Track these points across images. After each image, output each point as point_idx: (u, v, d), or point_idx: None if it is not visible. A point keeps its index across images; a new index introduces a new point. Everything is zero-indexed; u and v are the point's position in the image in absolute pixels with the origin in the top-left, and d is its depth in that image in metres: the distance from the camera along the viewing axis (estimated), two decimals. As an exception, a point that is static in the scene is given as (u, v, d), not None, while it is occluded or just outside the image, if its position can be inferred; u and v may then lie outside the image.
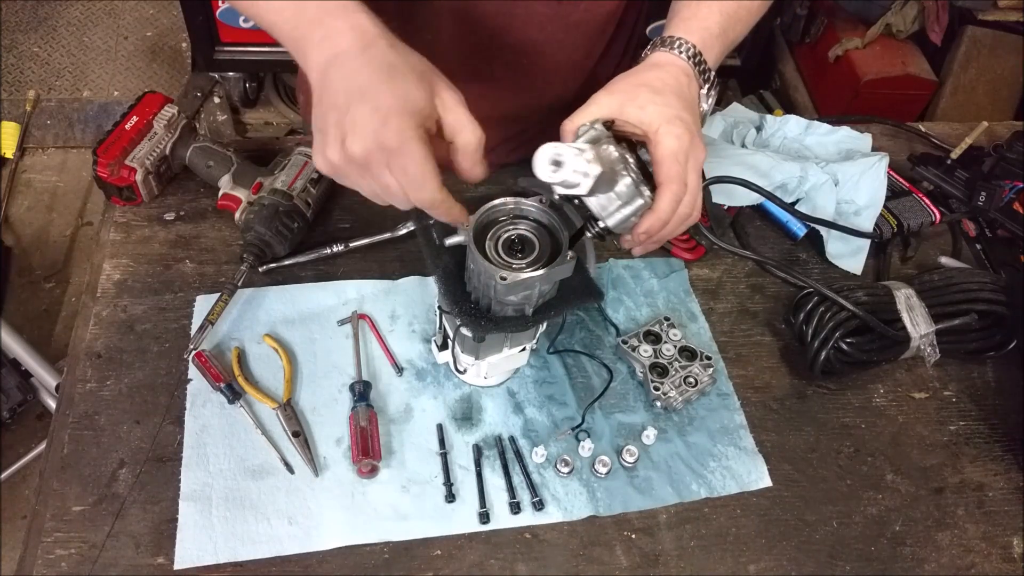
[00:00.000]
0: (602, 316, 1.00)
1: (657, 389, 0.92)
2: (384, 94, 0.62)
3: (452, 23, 0.98)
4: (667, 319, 0.99)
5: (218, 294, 0.93)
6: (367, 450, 0.84)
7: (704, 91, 0.79)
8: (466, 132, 0.66)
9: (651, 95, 0.73)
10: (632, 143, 0.75)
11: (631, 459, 0.87)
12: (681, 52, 0.77)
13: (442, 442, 0.88)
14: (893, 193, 1.13)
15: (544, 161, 0.64)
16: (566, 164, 0.64)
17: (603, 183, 0.69)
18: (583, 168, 0.65)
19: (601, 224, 0.73)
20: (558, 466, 0.87)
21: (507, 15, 0.99)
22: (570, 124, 0.74)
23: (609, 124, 0.73)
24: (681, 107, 0.73)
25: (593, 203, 0.72)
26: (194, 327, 0.93)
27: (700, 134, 0.75)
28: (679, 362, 0.94)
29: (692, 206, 0.74)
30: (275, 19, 0.70)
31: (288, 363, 0.91)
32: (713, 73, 0.80)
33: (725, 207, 1.11)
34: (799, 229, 1.10)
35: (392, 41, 0.67)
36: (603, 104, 0.74)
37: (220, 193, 1.02)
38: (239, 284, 0.94)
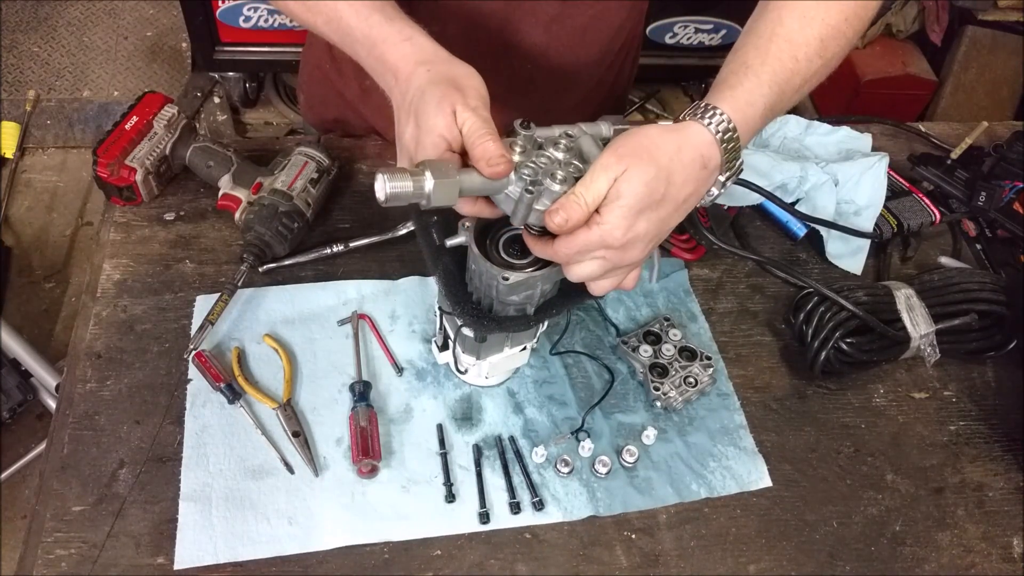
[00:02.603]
0: (602, 316, 1.00)
1: (657, 389, 0.92)
2: (409, 137, 0.71)
3: (457, 23, 0.98)
4: (667, 319, 0.99)
5: (218, 294, 0.93)
6: (367, 450, 0.84)
7: (723, 178, 0.73)
8: (478, 159, 0.66)
9: (638, 184, 0.66)
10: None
11: (631, 459, 0.87)
12: (713, 125, 0.70)
13: (442, 442, 0.88)
14: (893, 193, 1.13)
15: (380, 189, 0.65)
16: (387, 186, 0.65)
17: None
18: (405, 188, 0.65)
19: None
20: (558, 466, 0.87)
21: (512, 14, 0.99)
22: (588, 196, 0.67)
23: (526, 124, 0.71)
24: (655, 218, 0.68)
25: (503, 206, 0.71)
26: (194, 327, 0.93)
27: (656, 239, 0.70)
28: (679, 362, 0.94)
29: (578, 279, 0.71)
30: (349, 48, 0.79)
31: (288, 363, 0.91)
32: (740, 162, 0.73)
33: (725, 207, 1.11)
34: (799, 229, 1.10)
35: (429, 64, 0.71)
36: (608, 167, 0.67)
37: (220, 193, 1.02)
38: (239, 284, 0.94)
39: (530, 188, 0.66)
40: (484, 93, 0.71)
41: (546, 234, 0.71)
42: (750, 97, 0.72)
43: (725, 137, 0.71)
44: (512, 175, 0.68)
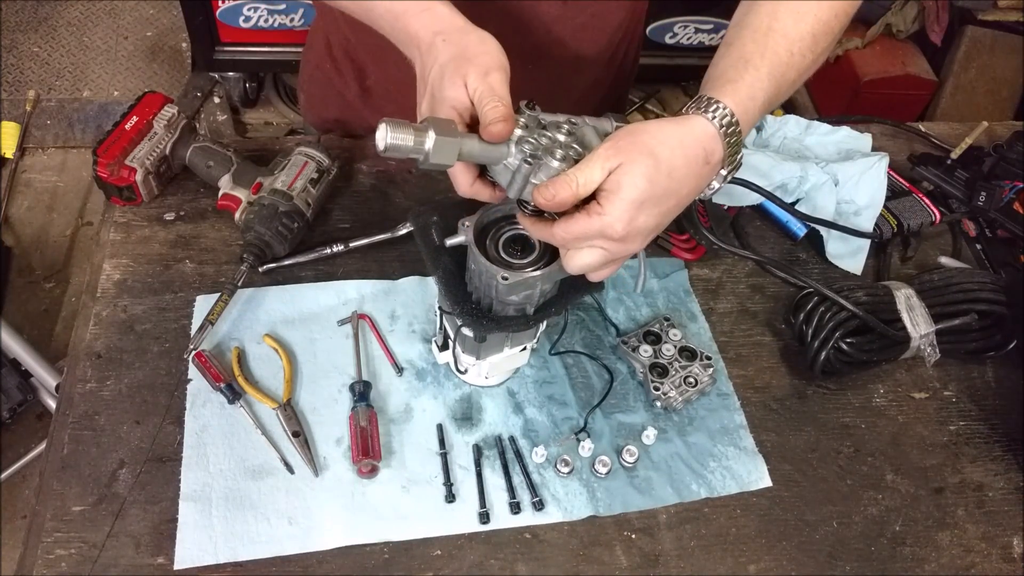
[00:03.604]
0: (602, 316, 1.00)
1: (657, 389, 0.92)
2: (424, 109, 0.72)
3: None
4: (667, 319, 0.99)
5: (218, 294, 0.93)
6: (367, 450, 0.84)
7: (724, 172, 0.73)
8: (484, 122, 0.67)
9: (639, 177, 0.67)
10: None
11: (631, 459, 0.87)
12: (716, 119, 0.70)
13: (442, 442, 0.88)
14: (893, 193, 1.13)
15: (382, 136, 0.65)
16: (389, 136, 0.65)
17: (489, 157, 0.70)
18: (405, 140, 0.65)
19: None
20: (558, 466, 0.87)
21: (514, 15, 0.99)
22: (581, 178, 0.68)
23: (532, 105, 0.72)
24: (655, 212, 0.68)
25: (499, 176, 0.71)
26: (194, 327, 0.93)
27: (657, 230, 0.70)
28: (679, 362, 0.94)
29: (580, 271, 0.71)
30: (376, 23, 0.80)
31: (288, 363, 0.91)
32: (741, 156, 0.74)
33: (725, 207, 1.11)
34: (799, 229, 1.10)
35: (445, 34, 0.72)
36: (606, 158, 0.68)
37: (220, 193, 1.02)
38: (239, 284, 0.94)
39: (529, 160, 0.67)
40: (498, 59, 0.71)
41: (542, 215, 0.71)
42: (751, 91, 0.73)
43: (728, 131, 0.71)
44: (512, 147, 0.68)
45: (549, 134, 0.70)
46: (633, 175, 0.66)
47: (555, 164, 0.67)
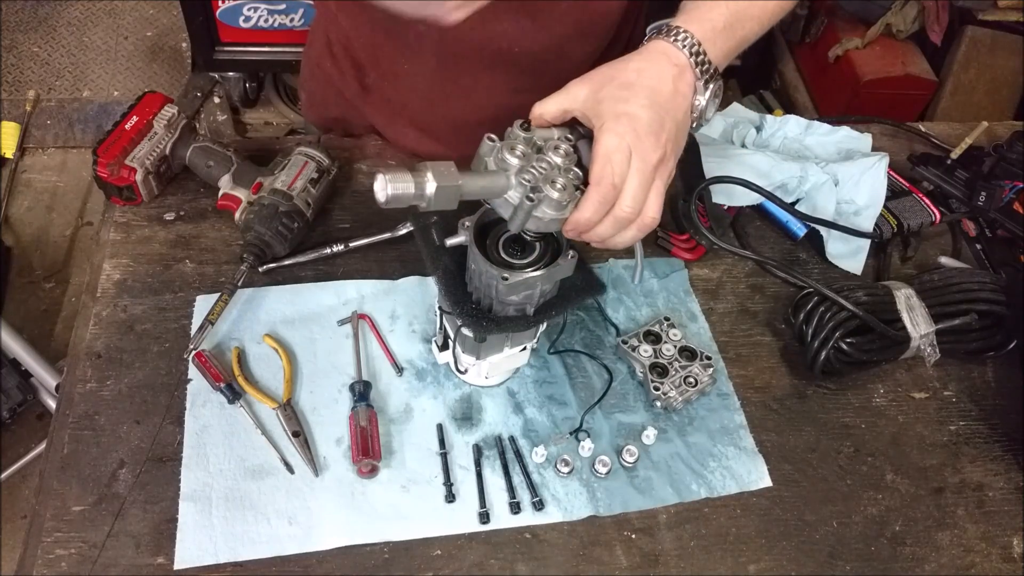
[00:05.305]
0: (602, 316, 1.00)
1: (657, 389, 0.92)
2: None
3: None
4: (667, 319, 0.99)
5: (218, 294, 0.93)
6: (367, 450, 0.84)
7: (701, 84, 0.76)
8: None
9: (616, 89, 0.71)
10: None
11: (631, 459, 0.87)
12: (677, 41, 0.75)
13: (442, 442, 0.88)
14: (893, 193, 1.13)
15: (381, 189, 0.65)
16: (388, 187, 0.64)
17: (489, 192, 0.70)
18: (405, 188, 0.65)
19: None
20: (558, 466, 0.87)
21: (511, 11, 0.99)
22: (538, 108, 0.74)
23: (526, 125, 0.71)
24: (645, 103, 0.71)
25: (500, 209, 0.72)
26: (194, 327, 0.93)
27: (666, 130, 0.72)
28: (679, 362, 0.94)
29: (634, 209, 0.70)
30: None
31: (288, 363, 0.91)
32: (715, 67, 0.77)
33: (725, 207, 1.11)
34: (799, 229, 1.10)
35: None
36: (573, 93, 0.73)
37: (220, 193, 1.02)
38: (239, 284, 0.94)
39: (531, 196, 0.67)
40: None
41: (544, 239, 0.72)
42: (707, 14, 0.77)
43: (679, 39, 0.75)
44: (512, 179, 0.68)
45: (548, 158, 0.70)
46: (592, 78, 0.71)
47: (555, 195, 0.68)
